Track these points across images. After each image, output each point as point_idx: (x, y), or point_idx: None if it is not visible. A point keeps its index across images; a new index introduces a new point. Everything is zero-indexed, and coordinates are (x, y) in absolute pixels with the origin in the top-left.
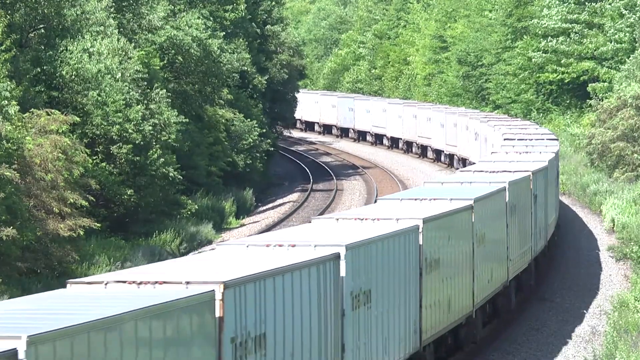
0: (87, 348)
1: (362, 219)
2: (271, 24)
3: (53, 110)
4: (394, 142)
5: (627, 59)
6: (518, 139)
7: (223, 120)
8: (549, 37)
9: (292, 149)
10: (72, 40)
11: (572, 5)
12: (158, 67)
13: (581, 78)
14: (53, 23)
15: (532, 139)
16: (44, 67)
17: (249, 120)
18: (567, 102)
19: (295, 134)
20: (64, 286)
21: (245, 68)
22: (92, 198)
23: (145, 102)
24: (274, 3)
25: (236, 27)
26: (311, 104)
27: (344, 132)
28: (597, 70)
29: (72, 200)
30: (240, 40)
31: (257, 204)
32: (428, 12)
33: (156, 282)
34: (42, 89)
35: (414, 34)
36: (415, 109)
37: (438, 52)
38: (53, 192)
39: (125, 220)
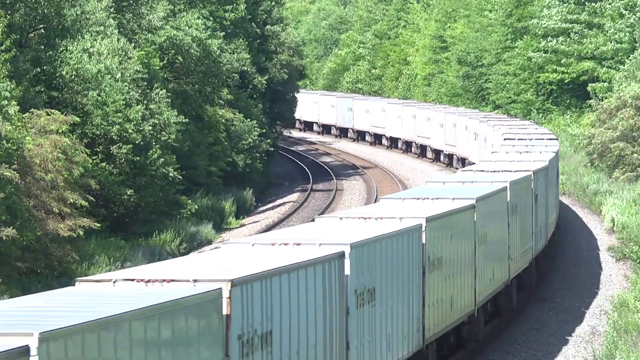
0: (97, 345)
1: (365, 218)
2: (271, 24)
3: (53, 110)
4: (393, 142)
5: (627, 59)
6: (518, 139)
7: (223, 120)
8: (549, 37)
9: (292, 149)
10: (72, 40)
11: (572, 5)
12: (158, 67)
13: (581, 78)
14: (53, 23)
15: (532, 139)
16: (44, 67)
17: (249, 120)
18: (567, 102)
19: (295, 133)
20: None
21: (245, 68)
22: (92, 198)
23: (145, 102)
24: (274, 3)
25: (236, 27)
26: (310, 104)
27: (342, 132)
28: (597, 70)
29: (72, 200)
30: (240, 40)
31: (257, 204)
32: (428, 12)
33: (164, 280)
34: (42, 89)
35: (414, 34)
36: (414, 108)
37: (438, 52)
38: (53, 192)
39: (125, 220)
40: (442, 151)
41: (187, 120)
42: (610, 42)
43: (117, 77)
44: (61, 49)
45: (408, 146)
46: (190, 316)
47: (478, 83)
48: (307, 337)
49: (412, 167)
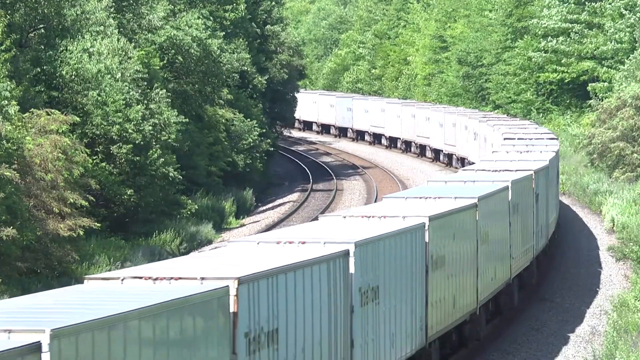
0: (107, 341)
1: (368, 217)
2: (271, 24)
3: (53, 110)
4: (392, 142)
5: (627, 59)
6: (518, 138)
7: (223, 120)
8: (549, 37)
9: (292, 148)
10: (72, 40)
11: (572, 5)
12: (158, 67)
13: (581, 78)
14: (53, 23)
15: (531, 138)
16: (44, 67)
17: (249, 120)
18: (567, 102)
19: (295, 133)
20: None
21: (245, 68)
22: (92, 198)
23: (145, 102)
24: (274, 3)
25: (236, 27)
26: (309, 104)
27: (342, 132)
28: (597, 70)
29: (72, 200)
30: (240, 40)
31: (257, 204)
32: (428, 12)
33: (171, 278)
34: (42, 89)
35: (414, 34)
36: (413, 108)
37: (438, 52)
38: (53, 192)
39: (125, 220)
40: (442, 151)
41: (187, 120)
42: (610, 42)
43: (117, 77)
44: (61, 48)
45: (407, 146)
46: (197, 313)
47: (478, 83)
48: (313, 335)
49: (412, 167)
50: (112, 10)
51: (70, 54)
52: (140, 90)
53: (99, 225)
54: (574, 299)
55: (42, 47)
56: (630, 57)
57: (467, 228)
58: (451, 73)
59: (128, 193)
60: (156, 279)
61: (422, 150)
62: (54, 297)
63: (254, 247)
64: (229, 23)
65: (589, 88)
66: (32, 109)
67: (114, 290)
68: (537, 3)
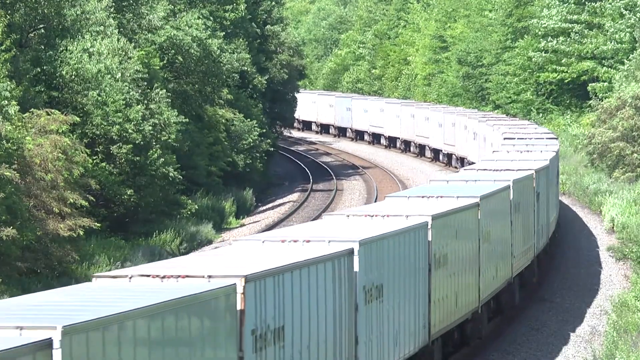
0: (117, 338)
1: (372, 216)
2: (271, 24)
3: (53, 110)
4: (392, 142)
5: (626, 60)
6: (518, 138)
7: (223, 120)
8: (549, 37)
9: (292, 148)
10: (72, 40)
11: (572, 5)
12: (158, 67)
13: (581, 78)
14: (53, 23)
15: (532, 138)
16: (44, 67)
17: (249, 120)
18: (567, 102)
19: (294, 133)
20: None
21: (245, 68)
22: (92, 198)
23: (145, 102)
24: (274, 3)
25: (236, 27)
26: (308, 104)
27: (341, 132)
28: (597, 70)
29: (72, 200)
30: (240, 40)
31: (257, 204)
32: (428, 12)
33: (179, 276)
34: (42, 89)
35: (414, 34)
36: (413, 108)
37: (438, 52)
38: (53, 192)
39: (125, 220)
40: (441, 151)
41: (187, 120)
42: (610, 42)
43: (117, 77)
44: (61, 48)
45: (407, 145)
46: (205, 311)
47: (478, 83)
48: (318, 333)
49: (412, 167)
50: (112, 10)
51: (70, 54)
52: (140, 90)
53: (99, 225)
54: (574, 299)
55: (42, 47)
56: (630, 57)
57: (469, 227)
58: (451, 73)
59: (128, 193)
60: (164, 277)
61: (421, 150)
62: (64, 295)
63: (259, 246)
64: (229, 23)
65: (589, 88)
66: (32, 109)
67: (123, 288)
68: (537, 3)
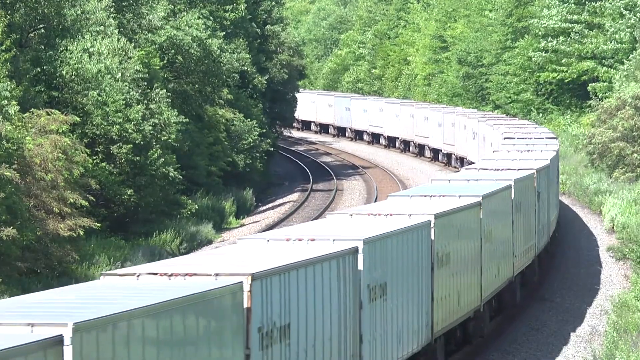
0: (126, 335)
1: (375, 215)
2: (271, 24)
3: (53, 110)
4: (391, 142)
5: (626, 60)
6: (518, 138)
7: (223, 120)
8: (549, 37)
9: (292, 148)
10: (72, 40)
11: (572, 5)
12: (158, 67)
13: (581, 78)
14: (53, 23)
15: (531, 138)
16: (44, 67)
17: (249, 120)
18: (567, 102)
19: (294, 133)
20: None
21: (245, 68)
22: (92, 198)
23: (145, 102)
24: (274, 3)
25: (236, 27)
26: (308, 104)
27: (340, 132)
28: (597, 70)
29: (72, 200)
30: (240, 40)
31: (257, 204)
32: (428, 12)
33: (186, 274)
34: (42, 89)
35: (414, 34)
36: (412, 108)
37: (438, 52)
38: (53, 192)
39: (125, 220)
40: (441, 150)
41: (187, 120)
42: (610, 42)
43: (117, 77)
44: (61, 48)
45: (406, 145)
46: (212, 309)
47: (478, 83)
48: (323, 330)
49: (412, 167)
50: (112, 10)
51: (70, 54)
52: (140, 90)
53: (99, 225)
54: (574, 299)
55: (42, 47)
56: (630, 57)
57: (471, 226)
58: (451, 73)
59: (128, 193)
60: (171, 275)
61: (420, 149)
62: (73, 293)
63: (264, 244)
64: (229, 23)
65: (589, 88)
66: (32, 109)
67: (131, 286)
68: (537, 3)
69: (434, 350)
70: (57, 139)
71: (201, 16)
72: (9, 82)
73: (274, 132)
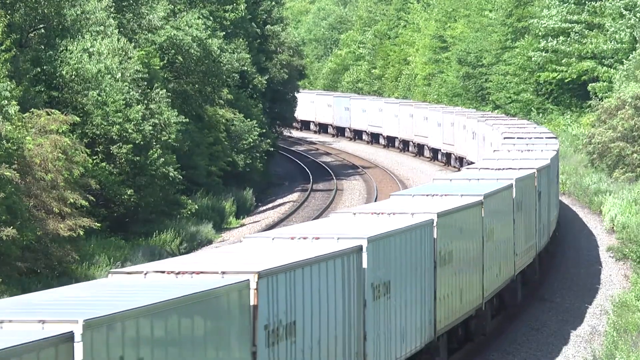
0: (136, 332)
1: (378, 214)
2: (271, 24)
3: (53, 110)
4: (390, 141)
5: (626, 60)
6: (517, 138)
7: (223, 120)
8: (549, 37)
9: (292, 148)
10: (72, 40)
11: (572, 5)
12: (158, 67)
13: (581, 78)
14: (53, 23)
15: (531, 137)
16: (44, 67)
17: (249, 120)
18: (567, 102)
19: (293, 133)
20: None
21: (245, 68)
22: (92, 198)
23: (145, 102)
24: (274, 3)
25: (236, 27)
26: (307, 104)
27: (339, 132)
28: (597, 70)
29: (72, 200)
30: (240, 40)
31: (257, 204)
32: (428, 12)
33: (193, 272)
34: (42, 89)
35: (414, 34)
36: (411, 108)
37: (438, 52)
38: (53, 192)
39: (125, 220)
40: (440, 150)
41: (187, 120)
42: (610, 42)
43: (117, 77)
44: (61, 48)
45: (405, 145)
46: (219, 306)
47: (478, 83)
48: (328, 328)
49: (412, 167)
50: (112, 10)
51: (70, 54)
52: (140, 90)
53: (99, 225)
54: (574, 299)
55: (42, 47)
56: (630, 57)
57: (473, 225)
58: (451, 73)
59: (128, 193)
60: (178, 273)
61: (419, 149)
62: (82, 290)
63: (269, 243)
64: (229, 23)
65: (589, 88)
66: (32, 109)
67: (139, 284)
68: (537, 3)
69: (436, 348)
70: (57, 139)
71: (201, 16)
72: (9, 82)
73: (274, 132)
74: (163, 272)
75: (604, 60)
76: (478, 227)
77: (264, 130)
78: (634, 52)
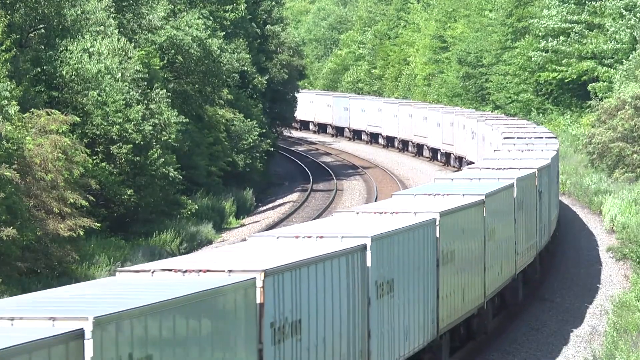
0: (144, 329)
1: (381, 213)
2: (271, 24)
3: (53, 110)
4: (389, 141)
5: (626, 60)
6: (517, 138)
7: (223, 120)
8: (549, 37)
9: (292, 149)
10: (72, 40)
11: (572, 5)
12: (158, 67)
13: (581, 78)
14: (53, 23)
15: (531, 137)
16: (44, 67)
17: (249, 120)
18: (567, 102)
19: (293, 133)
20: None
21: (245, 68)
22: (92, 198)
23: (145, 102)
24: (274, 3)
25: (236, 27)
26: (306, 103)
27: (339, 131)
28: (597, 70)
29: (72, 200)
30: (240, 40)
31: (257, 204)
32: (428, 12)
33: (200, 271)
34: (42, 89)
35: (414, 34)
36: (411, 108)
37: (438, 52)
38: (53, 192)
39: (125, 220)
40: (439, 150)
41: (187, 120)
42: (610, 42)
43: (117, 77)
44: (61, 48)
45: (404, 145)
46: (226, 304)
47: (478, 83)
48: (333, 326)
49: (412, 167)
50: (112, 10)
51: (70, 54)
52: (140, 90)
53: (99, 225)
54: (574, 299)
55: (42, 47)
56: (630, 57)
57: (475, 224)
58: (451, 73)
59: (128, 193)
60: (185, 271)
61: (419, 149)
62: (90, 288)
63: (273, 242)
64: (229, 23)
65: (589, 88)
66: (32, 109)
67: (146, 282)
68: (537, 3)
69: (439, 346)
70: (57, 139)
71: (201, 16)
72: (9, 82)
73: (273, 132)
74: (170, 270)
75: (604, 60)
76: (480, 226)
77: (264, 131)
78: (634, 52)
